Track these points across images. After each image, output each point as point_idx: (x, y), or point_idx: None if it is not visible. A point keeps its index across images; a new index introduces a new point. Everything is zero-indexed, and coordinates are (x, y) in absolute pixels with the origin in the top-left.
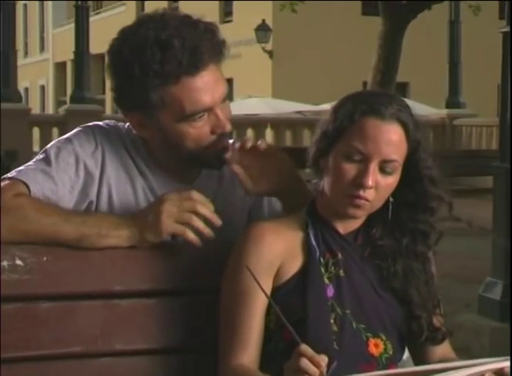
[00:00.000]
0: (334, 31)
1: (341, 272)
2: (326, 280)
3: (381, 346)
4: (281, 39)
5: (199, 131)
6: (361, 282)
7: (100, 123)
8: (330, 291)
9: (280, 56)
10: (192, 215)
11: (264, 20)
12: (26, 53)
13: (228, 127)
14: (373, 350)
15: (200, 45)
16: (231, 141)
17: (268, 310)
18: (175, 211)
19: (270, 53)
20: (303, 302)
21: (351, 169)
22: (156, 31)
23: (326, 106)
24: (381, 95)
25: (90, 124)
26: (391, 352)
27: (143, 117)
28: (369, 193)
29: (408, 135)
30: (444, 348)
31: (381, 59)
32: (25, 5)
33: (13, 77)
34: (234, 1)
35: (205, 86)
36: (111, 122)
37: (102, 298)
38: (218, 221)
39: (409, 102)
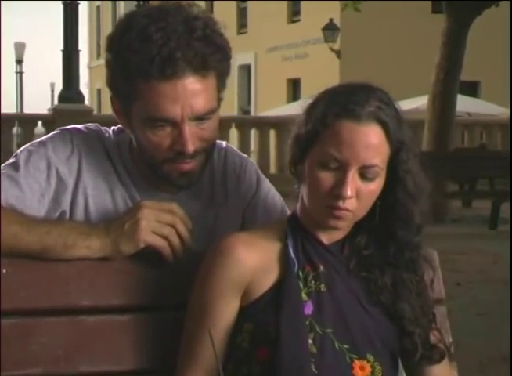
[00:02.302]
0: (403, 30)
1: (322, 287)
2: (305, 296)
3: (368, 369)
4: (349, 38)
5: (158, 140)
6: (345, 297)
7: (80, 126)
8: (309, 308)
9: (348, 55)
10: (173, 229)
11: (331, 19)
12: (98, 55)
13: (190, 148)
14: (358, 373)
15: (178, 50)
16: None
17: (241, 328)
18: (154, 220)
19: (338, 53)
20: (277, 321)
21: (327, 178)
22: (150, 20)
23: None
24: (357, 92)
25: (68, 127)
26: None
27: (120, 103)
28: (350, 203)
29: (389, 136)
30: (443, 368)
31: (444, 57)
32: (98, 7)
33: (75, 77)
34: (302, 1)
35: (175, 96)
36: (93, 125)
37: (67, 314)
38: (189, 243)
39: (478, 101)
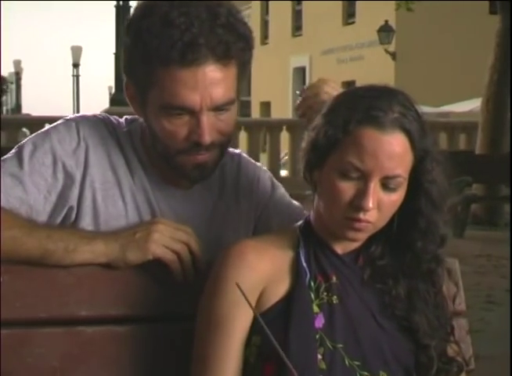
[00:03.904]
0: (460, 31)
1: (334, 299)
2: (316, 308)
3: None
4: (404, 40)
5: (174, 129)
6: (358, 310)
7: (87, 114)
8: (319, 321)
9: (403, 57)
10: (185, 247)
11: (387, 21)
12: None
13: (207, 139)
14: None
15: (201, 36)
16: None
17: (249, 341)
18: (168, 236)
19: (393, 55)
20: (285, 334)
21: (348, 189)
22: (172, 5)
23: (446, 108)
24: (379, 96)
25: (74, 115)
26: None
27: (135, 89)
28: (371, 215)
29: (413, 145)
30: None
31: (498, 59)
32: None
33: None
34: (357, 2)
35: (194, 84)
36: (102, 114)
37: (65, 325)
38: (202, 265)
39: None
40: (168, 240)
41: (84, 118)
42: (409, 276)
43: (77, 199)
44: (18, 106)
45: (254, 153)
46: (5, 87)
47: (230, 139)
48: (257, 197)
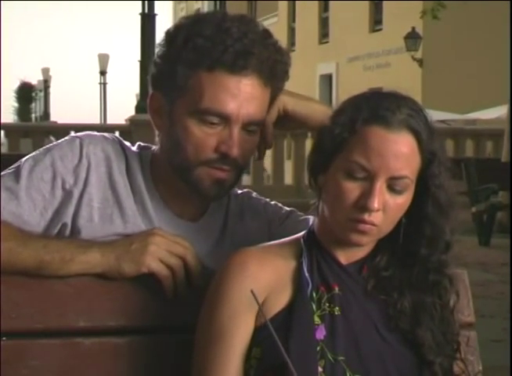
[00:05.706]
0: (487, 38)
1: (336, 310)
2: (317, 319)
3: None
4: (431, 47)
5: (204, 137)
6: (361, 322)
7: (95, 133)
8: (321, 333)
9: (430, 64)
10: (181, 262)
11: (414, 28)
12: None
13: (235, 152)
14: None
15: (254, 47)
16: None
17: (249, 353)
18: (164, 249)
19: (420, 61)
20: (285, 345)
21: (353, 189)
22: (225, 16)
23: (473, 115)
24: (388, 98)
25: (81, 133)
26: None
27: (163, 100)
28: (376, 217)
29: (421, 146)
30: None
31: None
32: None
33: None
34: (384, 9)
35: (237, 93)
36: (111, 135)
37: (62, 336)
38: (198, 280)
39: None
40: (164, 254)
41: (90, 136)
42: (415, 289)
43: (72, 216)
44: (46, 114)
45: (279, 160)
46: (33, 94)
47: (246, 167)
48: (267, 218)
